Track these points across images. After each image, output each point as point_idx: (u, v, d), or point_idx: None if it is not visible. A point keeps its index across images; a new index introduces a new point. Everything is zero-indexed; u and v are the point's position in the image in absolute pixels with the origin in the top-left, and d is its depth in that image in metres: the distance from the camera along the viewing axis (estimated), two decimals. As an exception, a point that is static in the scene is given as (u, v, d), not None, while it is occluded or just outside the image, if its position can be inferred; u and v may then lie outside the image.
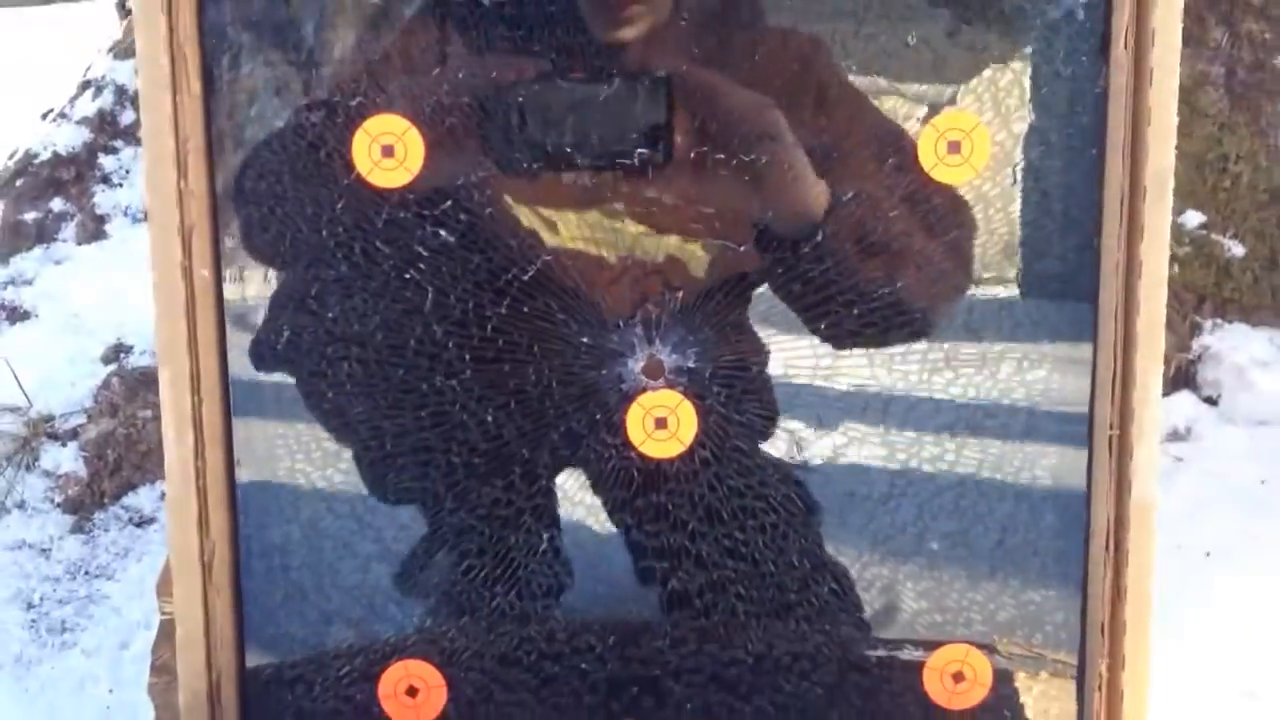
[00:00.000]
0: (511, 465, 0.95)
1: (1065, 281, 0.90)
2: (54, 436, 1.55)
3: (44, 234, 1.85)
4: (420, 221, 0.92)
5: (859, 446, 0.93)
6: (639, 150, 0.88)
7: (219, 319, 0.94)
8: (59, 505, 1.49)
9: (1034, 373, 0.91)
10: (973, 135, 0.87)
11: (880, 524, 0.95)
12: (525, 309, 0.92)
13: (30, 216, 1.86)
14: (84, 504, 1.48)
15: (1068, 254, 0.89)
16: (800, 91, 0.89)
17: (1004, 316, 0.92)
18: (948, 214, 0.89)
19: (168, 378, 0.93)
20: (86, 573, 1.42)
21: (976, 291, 0.91)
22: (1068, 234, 0.89)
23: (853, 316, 0.90)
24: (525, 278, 0.92)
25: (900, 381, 0.93)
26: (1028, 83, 0.87)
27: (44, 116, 2.05)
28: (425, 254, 0.92)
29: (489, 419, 0.94)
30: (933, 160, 0.87)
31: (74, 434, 1.55)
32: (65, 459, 1.52)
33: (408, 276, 0.93)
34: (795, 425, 0.94)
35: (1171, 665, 1.14)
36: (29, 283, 1.80)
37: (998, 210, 0.89)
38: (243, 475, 0.96)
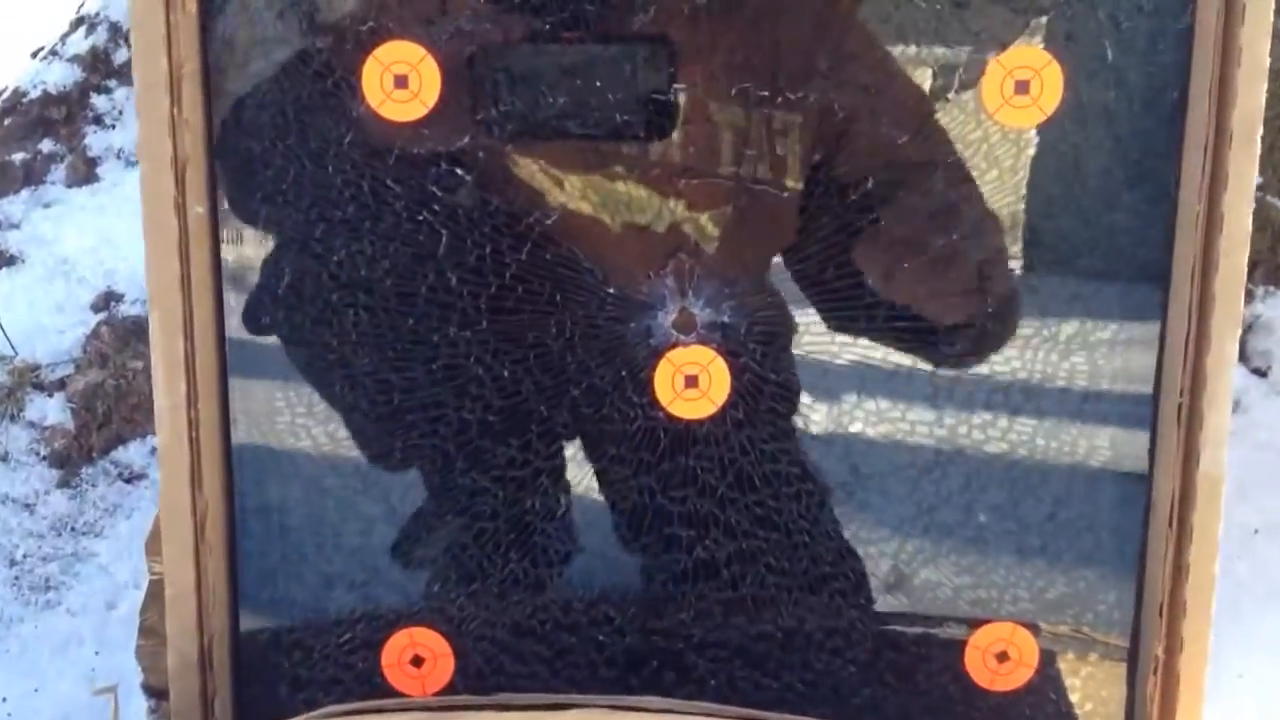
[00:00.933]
0: (529, 423, 0.89)
1: (1137, 239, 0.83)
2: (40, 387, 1.48)
3: (32, 176, 1.77)
4: (435, 159, 0.85)
5: (905, 412, 0.87)
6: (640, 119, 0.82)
7: (214, 260, 0.87)
8: (45, 459, 1.42)
9: (1099, 334, 0.84)
10: (1043, 74, 0.79)
11: (924, 494, 0.88)
12: (547, 255, 0.85)
13: (18, 157, 1.78)
14: (71, 458, 1.41)
15: (1140, 207, 0.82)
16: (819, 37, 0.82)
17: (1066, 282, 0.85)
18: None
19: (158, 320, 0.86)
20: (73, 529, 1.35)
21: (1041, 255, 0.85)
22: (1142, 184, 0.82)
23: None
24: (548, 222, 0.85)
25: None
26: (1105, 16, 0.79)
27: (34, 54, 1.97)
28: (440, 194, 0.85)
29: (505, 374, 0.87)
30: (998, 101, 0.80)
31: (61, 384, 1.48)
32: (52, 410, 1.45)
33: (420, 219, 0.85)
34: (842, 396, 0.87)
35: (1222, 651, 1.08)
36: (16, 226, 1.72)
37: (1067, 159, 0.82)
38: (239, 428, 0.89)
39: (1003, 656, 0.88)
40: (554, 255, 0.85)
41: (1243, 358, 1.34)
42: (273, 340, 0.89)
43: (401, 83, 0.83)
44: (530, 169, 0.85)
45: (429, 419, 0.90)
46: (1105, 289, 0.83)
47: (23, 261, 1.68)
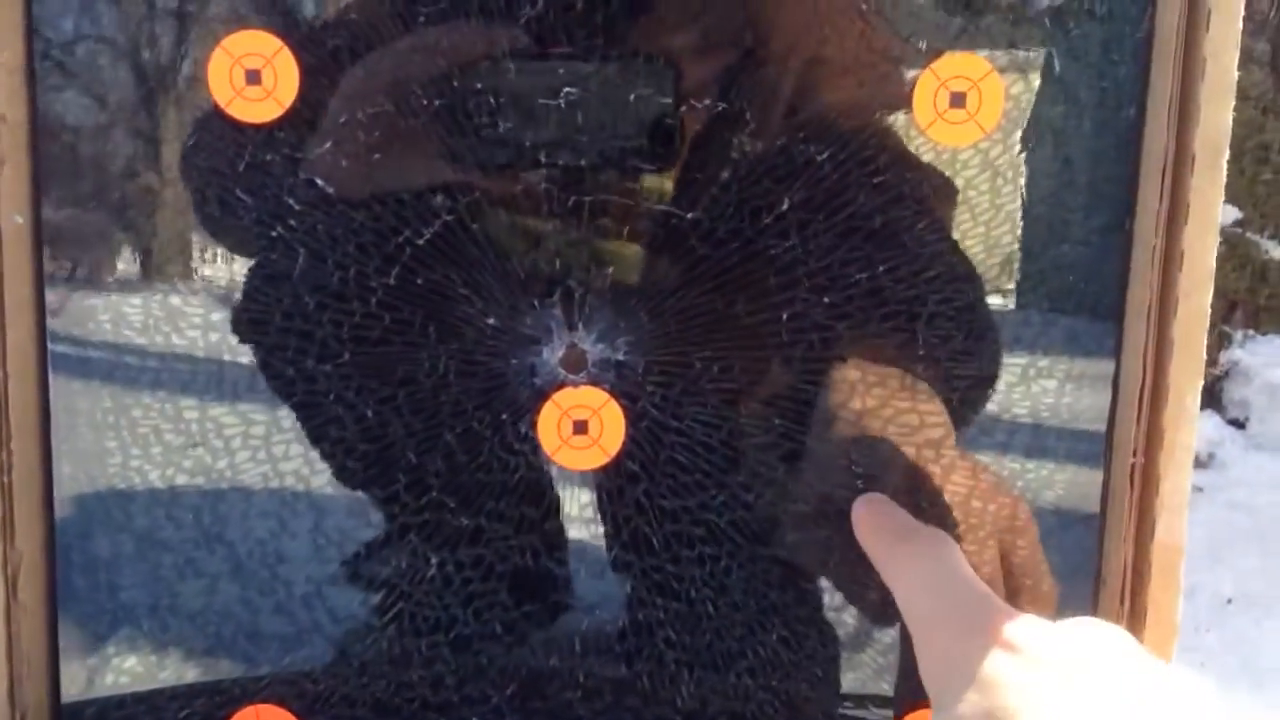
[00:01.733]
0: (395, 472, 0.77)
1: (1087, 276, 0.72)
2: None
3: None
4: (291, 166, 0.74)
5: (826, 461, 0.76)
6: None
7: (35, 277, 0.76)
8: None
9: (1041, 384, 0.74)
10: (982, 85, 0.69)
11: (846, 558, 0.77)
12: (419, 280, 0.74)
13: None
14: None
15: (1092, 239, 0.72)
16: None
17: (1008, 321, 0.75)
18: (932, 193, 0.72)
19: (-32, 347, 0.75)
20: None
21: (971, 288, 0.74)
22: (1093, 214, 0.72)
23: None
24: (420, 241, 0.74)
25: (875, 397, 0.75)
26: (1052, 21, 0.69)
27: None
28: (296, 207, 0.74)
29: (370, 414, 0.76)
30: (930, 115, 0.70)
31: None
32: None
33: (274, 234, 0.74)
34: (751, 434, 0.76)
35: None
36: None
37: (1007, 183, 0.72)
38: (62, 471, 0.77)
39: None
40: (426, 280, 0.74)
41: (1218, 407, 1.24)
42: (104, 371, 0.78)
43: (254, 78, 0.72)
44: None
45: (279, 463, 0.79)
46: (1051, 329, 0.73)
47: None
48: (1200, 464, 1.18)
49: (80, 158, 0.76)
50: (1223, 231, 1.23)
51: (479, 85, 0.71)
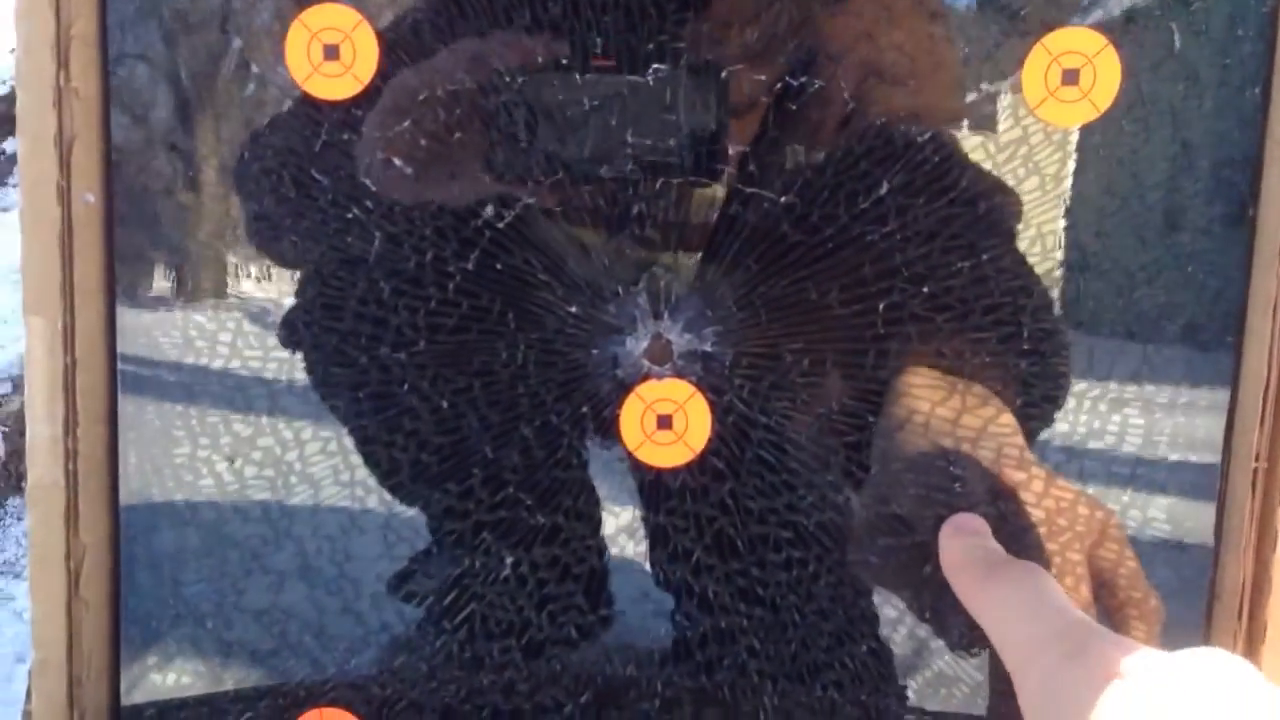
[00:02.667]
0: (470, 466, 0.74)
1: (1207, 267, 0.68)
2: (-27, 408, 1.35)
3: (-7, 181, 1.66)
4: (371, 146, 0.71)
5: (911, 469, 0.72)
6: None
7: (106, 259, 0.73)
8: (-30, 487, 1.29)
9: (1162, 377, 0.70)
10: (1096, 61, 0.65)
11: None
12: (498, 265, 0.71)
13: (-20, 162, 1.67)
14: (-2, 487, 1.28)
15: (1213, 228, 0.68)
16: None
17: (1121, 314, 0.70)
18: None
19: (37, 331, 0.73)
20: (-9, 568, 1.22)
21: (1090, 283, 0.70)
22: (1214, 201, 0.68)
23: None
24: (501, 225, 0.71)
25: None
26: (1175, -5, 0.66)
27: (13, 50, 1.86)
28: (373, 188, 0.71)
29: (445, 405, 0.73)
30: (1040, 93, 0.66)
31: (-4, 406, 1.35)
32: (-18, 435, 1.33)
33: (349, 217, 0.72)
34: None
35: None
36: (-30, 234, 1.61)
37: (1123, 166, 0.68)
38: (129, 462, 0.75)
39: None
40: (506, 265, 0.71)
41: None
42: (174, 358, 0.76)
43: (332, 54, 0.70)
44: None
45: (361, 454, 0.76)
46: (1168, 324, 0.68)
47: (-26, 272, 1.56)
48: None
49: (153, 139, 0.74)
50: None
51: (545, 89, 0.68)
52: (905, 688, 0.75)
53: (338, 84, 0.70)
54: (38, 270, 0.72)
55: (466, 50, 0.70)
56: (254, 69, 0.75)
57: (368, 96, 0.70)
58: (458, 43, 0.70)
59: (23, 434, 1.31)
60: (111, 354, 0.74)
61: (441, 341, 0.73)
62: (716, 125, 0.68)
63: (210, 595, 0.77)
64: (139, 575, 0.76)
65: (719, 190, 0.70)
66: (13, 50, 1.69)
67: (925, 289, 0.69)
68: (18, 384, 1.36)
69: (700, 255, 0.71)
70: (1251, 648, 0.69)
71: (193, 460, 0.76)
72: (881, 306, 0.69)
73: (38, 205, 0.71)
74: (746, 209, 0.70)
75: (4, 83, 1.71)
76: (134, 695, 0.77)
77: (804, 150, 0.69)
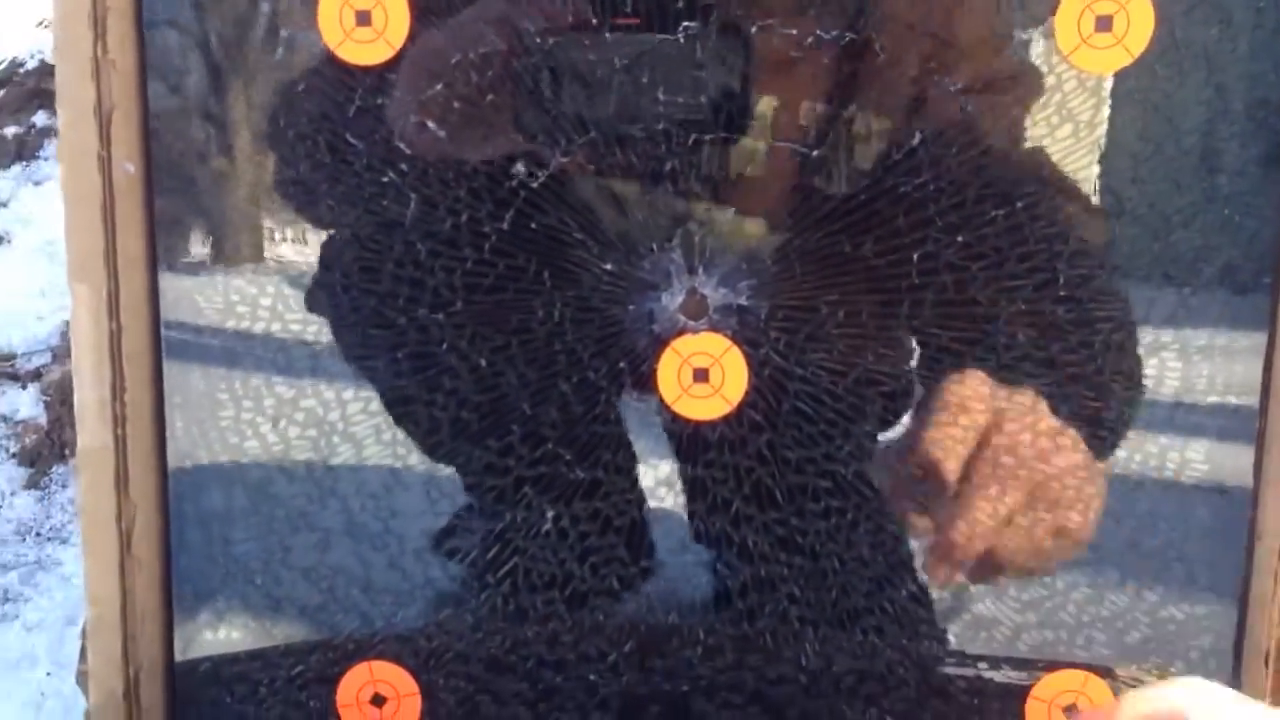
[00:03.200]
0: (510, 423, 0.75)
1: (1245, 209, 0.68)
2: (14, 377, 1.37)
3: (24, 150, 1.67)
4: (403, 110, 0.72)
5: (957, 415, 0.72)
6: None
7: (148, 227, 0.74)
8: (14, 455, 1.31)
9: (1199, 320, 0.70)
10: (1129, 7, 0.65)
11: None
12: (533, 224, 0.72)
13: (10, 131, 1.68)
14: (41, 455, 1.30)
15: (1249, 169, 0.67)
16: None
17: (1157, 261, 0.70)
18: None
19: (81, 297, 0.74)
20: (38, 534, 1.24)
21: (1127, 228, 0.70)
22: (1250, 143, 0.68)
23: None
24: (535, 184, 0.71)
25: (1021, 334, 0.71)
26: (1209, -66, 0.65)
27: (40, 24, 1.87)
28: (407, 151, 0.72)
29: (483, 364, 0.74)
30: (1074, 40, 0.66)
31: (36, 375, 1.37)
32: (24, 403, 1.34)
33: (385, 180, 0.73)
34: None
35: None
36: (3, 204, 1.62)
37: (1158, 111, 0.68)
38: (175, 424, 0.77)
39: (1072, 710, 0.74)
40: (541, 224, 0.72)
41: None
42: (216, 322, 0.77)
43: (364, 19, 0.70)
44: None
45: (398, 415, 0.77)
46: (1205, 269, 0.69)
47: (8, 242, 1.57)
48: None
49: (188, 107, 0.75)
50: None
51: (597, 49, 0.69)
52: (945, 631, 0.76)
53: (370, 49, 0.70)
54: (81, 239, 0.73)
55: (493, 11, 0.70)
56: (283, 34, 0.75)
57: (400, 61, 0.70)
58: (484, 4, 0.70)
59: (63, 403, 1.33)
60: (155, 320, 0.76)
61: (479, 301, 0.74)
62: (742, 81, 0.68)
63: (258, 553, 0.78)
64: (189, 534, 0.78)
65: (753, 145, 0.70)
66: (38, 24, 1.70)
67: (959, 238, 0.69)
68: (56, 354, 1.38)
69: (734, 210, 0.71)
70: (1289, 588, 0.70)
71: (237, 422, 0.78)
72: (916, 257, 0.70)
73: (79, 175, 0.72)
74: (781, 163, 0.70)
75: (32, 56, 1.71)
76: (187, 651, 0.79)
77: (858, 109, 0.69)
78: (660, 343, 0.72)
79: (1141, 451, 0.71)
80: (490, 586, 0.77)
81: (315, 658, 0.78)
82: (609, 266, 0.72)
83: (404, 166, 0.72)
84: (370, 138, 0.72)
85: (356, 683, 0.77)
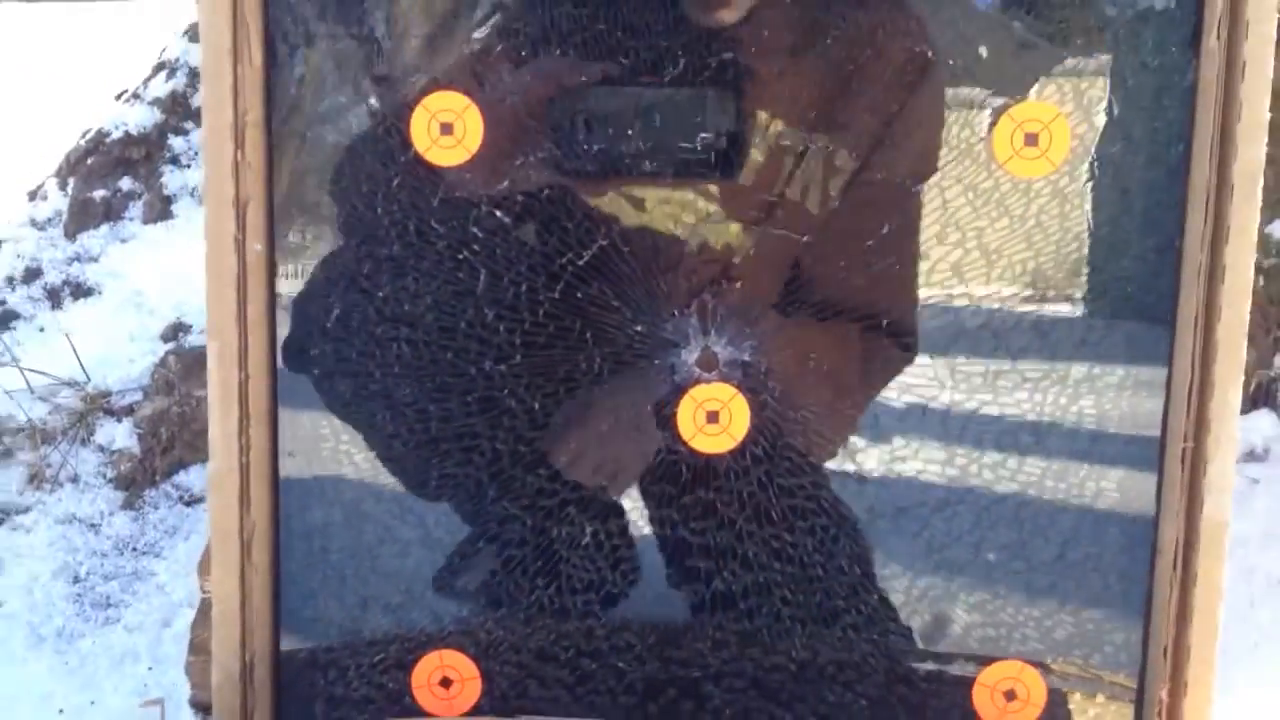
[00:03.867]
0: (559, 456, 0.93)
1: (1143, 288, 0.85)
2: (110, 412, 1.56)
3: (111, 212, 1.87)
4: (476, 201, 0.90)
5: (917, 451, 0.90)
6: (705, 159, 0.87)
7: (269, 295, 0.93)
8: (111, 481, 1.49)
9: (1107, 378, 0.87)
10: (1051, 127, 0.83)
11: (935, 532, 0.91)
12: (579, 294, 0.90)
13: (99, 194, 1.88)
14: (135, 480, 1.48)
15: (1147, 256, 0.85)
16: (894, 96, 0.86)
17: (1075, 327, 0.88)
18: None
19: (215, 351, 0.92)
20: (134, 549, 1.42)
21: (1045, 304, 0.88)
22: (1147, 235, 0.85)
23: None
24: (580, 262, 0.90)
25: (963, 391, 0.89)
26: (1112, 74, 0.83)
27: (118, 97, 2.07)
28: (480, 234, 0.90)
29: (537, 406, 0.92)
30: (1008, 152, 0.84)
31: (129, 410, 1.56)
32: (120, 435, 1.53)
33: (461, 257, 0.91)
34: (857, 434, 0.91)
35: (1240, 695, 1.09)
36: (94, 259, 1.81)
37: (1075, 209, 0.85)
38: (286, 454, 0.94)
39: (1010, 695, 0.90)
40: (585, 294, 0.90)
41: (1274, 406, 1.35)
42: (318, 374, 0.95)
43: (447, 129, 0.88)
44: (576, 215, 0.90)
45: (463, 448, 0.94)
46: (1113, 334, 0.86)
47: (99, 293, 1.77)
48: (1257, 458, 1.29)
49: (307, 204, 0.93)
50: (1276, 245, 1.34)
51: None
52: (909, 629, 0.93)
53: (452, 153, 0.89)
54: (218, 304, 0.91)
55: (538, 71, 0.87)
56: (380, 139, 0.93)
57: (474, 163, 0.88)
58: (534, 63, 0.87)
59: (154, 435, 1.52)
60: (273, 370, 0.94)
61: (534, 355, 0.91)
62: (736, 131, 0.86)
63: (350, 560, 0.96)
64: (295, 545, 0.95)
65: (755, 233, 0.88)
66: (117, 97, 1.89)
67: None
68: (147, 393, 1.57)
69: (739, 285, 0.89)
70: (1185, 591, 0.86)
71: (335, 452, 0.95)
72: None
73: (219, 254, 0.90)
74: (776, 250, 0.88)
75: (116, 128, 1.91)
76: (291, 640, 0.96)
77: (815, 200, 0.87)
78: (680, 390, 0.90)
79: (1065, 480, 0.88)
80: (539, 589, 0.94)
81: (395, 646, 0.95)
82: (639, 328, 0.90)
83: (476, 247, 0.90)
84: (450, 224, 0.90)
85: (428, 668, 0.94)
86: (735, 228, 0.89)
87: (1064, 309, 0.87)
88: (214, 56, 0.89)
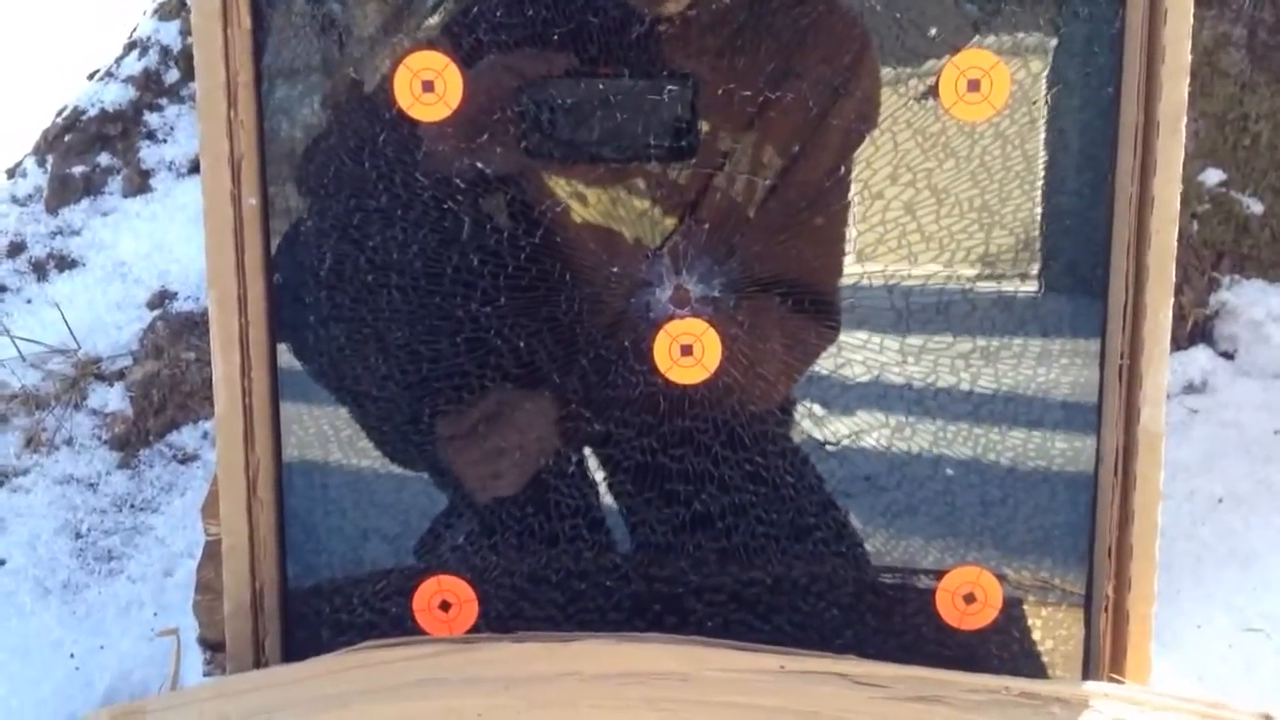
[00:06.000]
0: (543, 390, 0.99)
1: (1080, 219, 0.93)
2: (101, 377, 1.61)
3: (91, 187, 1.91)
4: (458, 154, 0.96)
5: (877, 376, 0.97)
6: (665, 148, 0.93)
7: (265, 245, 0.98)
8: (106, 442, 1.55)
9: (1049, 305, 0.94)
10: (992, 73, 0.90)
11: (897, 451, 0.98)
12: (558, 239, 0.96)
13: (78, 170, 1.92)
14: (130, 441, 1.54)
15: (1082, 190, 0.92)
16: (836, 79, 0.92)
17: (1021, 259, 0.95)
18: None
19: (216, 299, 0.98)
20: (132, 506, 1.47)
21: (991, 238, 0.95)
22: (1083, 170, 0.92)
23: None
24: (559, 209, 0.96)
25: (918, 321, 0.96)
26: (1045, 22, 0.90)
27: (91, 76, 2.11)
28: (462, 185, 0.96)
29: (522, 345, 0.98)
30: (953, 98, 0.90)
31: (120, 375, 1.61)
32: (112, 399, 1.58)
33: (445, 207, 0.97)
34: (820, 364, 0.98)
35: (1184, 605, 1.18)
36: (77, 233, 1.85)
37: (1015, 148, 0.92)
38: (285, 394, 1.00)
39: (970, 598, 0.98)
40: (564, 239, 0.96)
41: (1209, 341, 1.44)
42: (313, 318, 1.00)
43: (429, 87, 0.94)
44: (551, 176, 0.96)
45: (454, 386, 1.00)
46: (1055, 262, 0.93)
47: (83, 265, 1.81)
48: (1195, 390, 1.37)
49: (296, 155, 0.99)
50: (1209, 191, 1.41)
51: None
52: (876, 541, 1.00)
53: (433, 109, 0.94)
54: (217, 256, 0.97)
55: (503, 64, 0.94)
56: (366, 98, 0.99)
57: (454, 118, 0.94)
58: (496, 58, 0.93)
59: (145, 397, 1.57)
60: (271, 314, 0.99)
61: (518, 297, 0.98)
62: (691, 118, 0.92)
63: (349, 494, 1.02)
64: (296, 480, 1.01)
65: (726, 179, 0.95)
66: (89, 75, 1.92)
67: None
68: (136, 357, 1.62)
69: (707, 226, 0.95)
70: (1126, 494, 0.94)
71: (332, 394, 1.01)
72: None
73: (217, 208, 0.96)
74: (741, 192, 0.95)
75: (92, 105, 1.95)
76: (296, 570, 1.02)
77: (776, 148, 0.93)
78: (655, 326, 0.96)
79: (1014, 398, 0.96)
80: (530, 516, 1.01)
81: (395, 575, 1.02)
82: (615, 269, 0.96)
83: (460, 198, 0.96)
84: (434, 176, 0.96)
85: (428, 593, 1.01)
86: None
87: (1009, 240, 0.94)
88: (204, 20, 0.94)
